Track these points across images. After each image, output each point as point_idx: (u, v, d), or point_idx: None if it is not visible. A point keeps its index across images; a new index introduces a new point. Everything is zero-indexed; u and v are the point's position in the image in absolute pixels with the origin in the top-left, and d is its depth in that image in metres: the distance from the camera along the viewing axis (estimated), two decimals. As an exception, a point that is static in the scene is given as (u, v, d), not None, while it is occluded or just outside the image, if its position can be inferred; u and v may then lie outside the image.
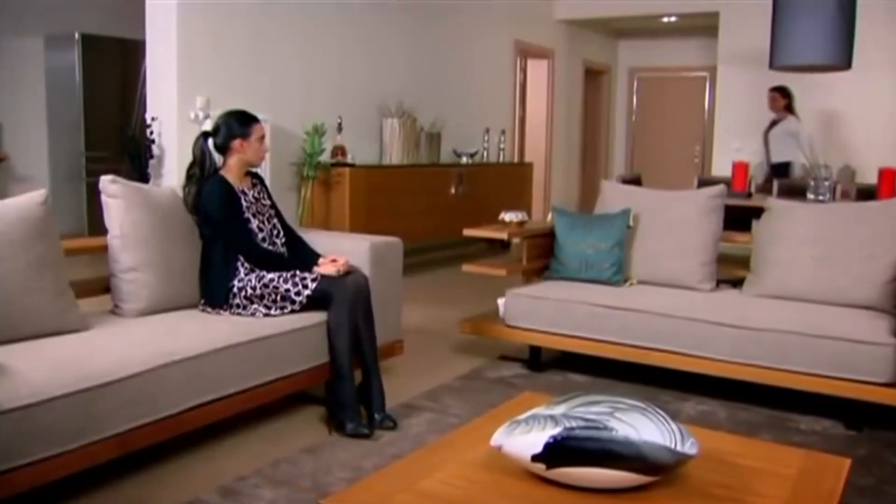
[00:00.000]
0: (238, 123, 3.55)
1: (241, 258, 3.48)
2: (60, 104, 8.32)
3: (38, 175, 8.23)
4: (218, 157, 3.57)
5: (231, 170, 3.55)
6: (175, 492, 2.75)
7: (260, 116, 3.68)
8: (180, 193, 3.57)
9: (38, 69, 8.33)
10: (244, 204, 3.53)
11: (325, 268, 3.50)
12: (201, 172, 3.50)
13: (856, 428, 3.50)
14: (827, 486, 1.98)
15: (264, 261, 3.51)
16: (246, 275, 3.45)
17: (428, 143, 7.81)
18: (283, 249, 3.63)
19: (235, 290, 3.42)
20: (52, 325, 2.88)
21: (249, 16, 6.05)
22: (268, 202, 3.69)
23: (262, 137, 3.60)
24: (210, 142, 3.55)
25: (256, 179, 3.70)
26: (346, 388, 3.32)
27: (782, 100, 7.85)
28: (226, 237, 3.47)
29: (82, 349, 2.74)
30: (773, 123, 7.96)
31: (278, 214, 3.74)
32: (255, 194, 3.63)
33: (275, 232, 3.64)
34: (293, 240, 3.72)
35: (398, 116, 7.29)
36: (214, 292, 3.44)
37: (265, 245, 3.55)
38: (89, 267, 3.62)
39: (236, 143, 3.52)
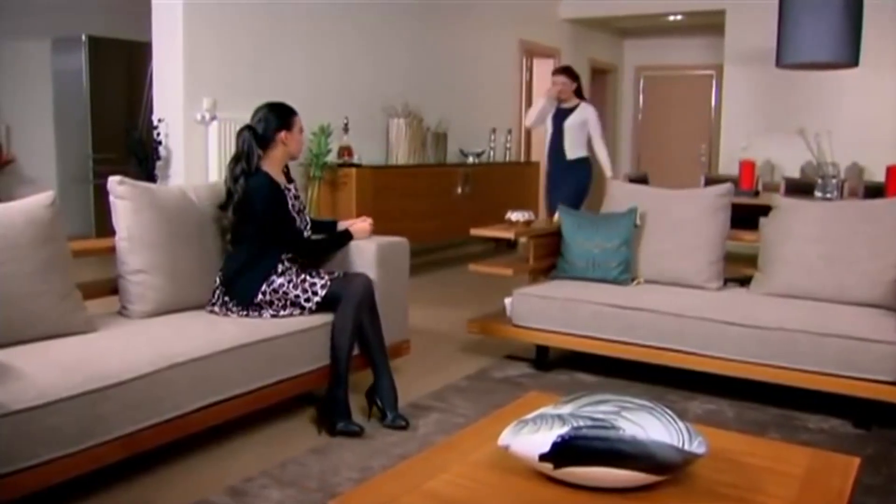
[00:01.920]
0: (281, 115, 3.52)
1: (277, 259, 3.46)
2: (67, 106, 8.34)
3: (46, 177, 8.25)
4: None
5: (274, 163, 3.52)
6: (182, 493, 2.75)
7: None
8: (191, 194, 3.56)
9: (46, 71, 8.35)
10: (289, 201, 3.54)
11: (359, 230, 3.77)
12: (248, 167, 3.45)
13: (864, 426, 3.48)
14: (835, 485, 1.97)
15: (313, 250, 3.66)
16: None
17: (434, 143, 7.81)
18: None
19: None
20: (59, 326, 2.88)
21: (255, 17, 6.06)
22: (299, 196, 3.70)
23: (302, 129, 3.61)
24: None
25: (285, 170, 3.68)
26: (340, 389, 3.32)
27: (573, 83, 6.50)
28: (274, 233, 3.45)
29: (89, 351, 2.74)
30: (564, 112, 6.49)
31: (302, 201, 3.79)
32: (294, 191, 3.64)
33: (304, 226, 3.64)
34: (312, 222, 3.80)
35: (404, 116, 7.29)
36: (247, 291, 3.40)
37: None
38: (96, 268, 3.62)
39: (281, 134, 3.50)
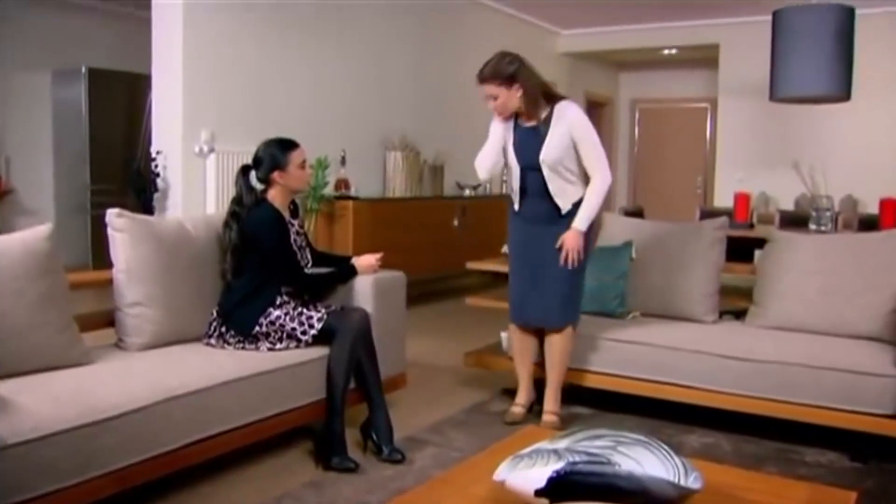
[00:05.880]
0: (274, 155, 3.52)
1: (276, 292, 3.47)
2: (67, 137, 8.39)
3: (44, 208, 8.28)
4: (260, 186, 3.57)
5: (277, 198, 3.54)
6: (177, 527, 2.74)
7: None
8: (188, 227, 3.57)
9: (46, 103, 8.41)
10: (292, 235, 3.56)
11: (364, 265, 3.75)
12: (241, 208, 3.48)
13: (861, 460, 3.48)
14: (832, 520, 1.97)
15: (311, 286, 3.62)
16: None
17: (431, 175, 7.84)
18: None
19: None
20: (56, 359, 2.88)
21: (254, 51, 6.11)
22: (303, 231, 3.72)
23: (303, 163, 3.58)
24: (253, 175, 3.55)
25: (293, 206, 3.71)
26: (335, 422, 3.31)
27: (515, 87, 3.65)
28: (275, 265, 3.46)
29: (86, 384, 2.74)
30: (530, 133, 3.71)
31: (306, 236, 3.78)
32: (298, 227, 3.66)
33: (305, 262, 3.65)
34: (320, 256, 3.81)
35: (401, 149, 7.34)
36: (245, 322, 3.40)
37: None
38: (93, 300, 3.63)
39: (274, 174, 3.51)
